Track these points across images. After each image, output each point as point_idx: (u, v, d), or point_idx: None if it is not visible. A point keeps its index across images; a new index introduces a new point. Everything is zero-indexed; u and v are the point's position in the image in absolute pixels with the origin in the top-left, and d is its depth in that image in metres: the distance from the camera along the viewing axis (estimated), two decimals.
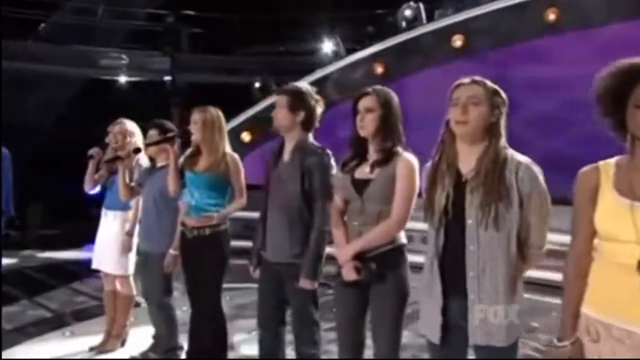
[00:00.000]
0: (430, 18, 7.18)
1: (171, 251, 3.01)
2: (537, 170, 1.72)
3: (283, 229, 2.39)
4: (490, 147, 1.72)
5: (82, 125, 10.28)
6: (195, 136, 2.86)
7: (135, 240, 3.41)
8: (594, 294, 1.46)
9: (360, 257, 2.02)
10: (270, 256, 2.46)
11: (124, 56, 9.57)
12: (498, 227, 1.65)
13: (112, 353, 3.43)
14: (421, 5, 7.15)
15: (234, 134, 6.85)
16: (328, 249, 2.36)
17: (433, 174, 1.77)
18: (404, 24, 7.20)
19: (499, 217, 1.65)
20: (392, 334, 2.01)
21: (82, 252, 7.72)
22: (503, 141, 1.75)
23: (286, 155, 2.48)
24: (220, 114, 2.95)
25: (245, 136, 7.64)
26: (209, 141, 2.85)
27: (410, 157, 2.08)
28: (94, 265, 3.54)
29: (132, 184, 3.25)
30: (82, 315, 4.43)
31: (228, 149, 2.92)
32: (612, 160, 1.51)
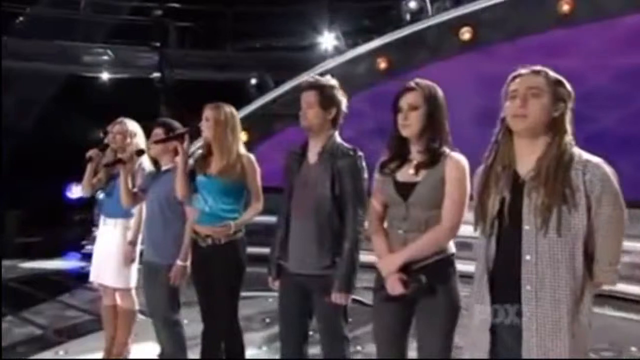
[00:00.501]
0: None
1: (179, 262, 2.86)
2: (609, 170, 1.59)
3: (310, 238, 2.26)
4: (552, 144, 1.60)
5: (63, 126, 10.08)
6: (207, 134, 2.71)
7: (138, 250, 3.26)
8: None
9: (405, 268, 1.90)
10: (294, 267, 2.32)
11: (108, 52, 9.35)
12: (560, 233, 1.52)
13: None
14: None
15: None
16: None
17: (486, 176, 1.65)
18: (408, 16, 7.11)
19: (562, 222, 1.52)
20: (444, 352, 1.89)
21: (66, 261, 7.54)
22: (569, 138, 1.63)
23: (312, 157, 2.35)
24: (234, 111, 2.81)
25: (242, 136, 7.50)
26: (221, 141, 2.70)
27: (460, 158, 1.96)
28: (92, 278, 3.36)
29: (135, 189, 3.09)
30: (76, 332, 4.24)
31: (242, 149, 2.78)
32: None
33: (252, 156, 2.76)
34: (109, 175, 3.35)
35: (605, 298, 4.09)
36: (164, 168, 3.04)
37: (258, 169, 2.77)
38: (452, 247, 1.96)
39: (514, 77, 1.65)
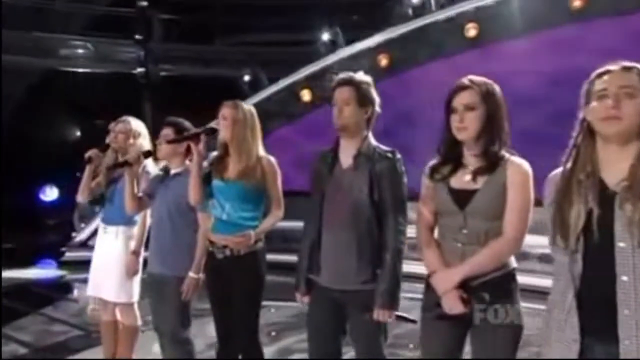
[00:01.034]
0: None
1: (192, 274, 2.70)
2: None
3: (347, 249, 2.14)
4: None
5: (38, 124, 9.76)
6: (225, 134, 2.57)
7: (141, 260, 3.10)
8: None
9: (463, 284, 1.79)
10: (328, 282, 2.19)
11: (87, 45, 9.08)
12: None
13: None
14: None
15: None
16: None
17: (566, 184, 1.54)
18: (410, 11, 7.05)
19: None
20: None
21: (42, 269, 7.26)
22: None
23: (346, 161, 2.22)
24: (253, 110, 2.67)
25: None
26: (240, 142, 2.56)
27: (522, 162, 1.85)
28: (90, 292, 3.18)
29: (140, 193, 2.92)
30: (66, 349, 4.03)
31: (262, 151, 2.65)
32: None
33: (272, 158, 2.62)
34: (110, 178, 3.17)
35: None
36: (173, 171, 2.88)
37: (279, 173, 2.64)
38: (513, 261, 1.86)
39: (601, 74, 1.53)
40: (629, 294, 1.41)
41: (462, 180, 1.87)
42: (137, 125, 3.20)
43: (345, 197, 2.16)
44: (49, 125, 9.97)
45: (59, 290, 6.24)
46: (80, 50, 9.21)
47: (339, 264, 2.15)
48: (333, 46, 7.78)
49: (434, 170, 1.94)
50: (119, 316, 3.18)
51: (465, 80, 1.88)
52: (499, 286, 1.79)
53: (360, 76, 2.24)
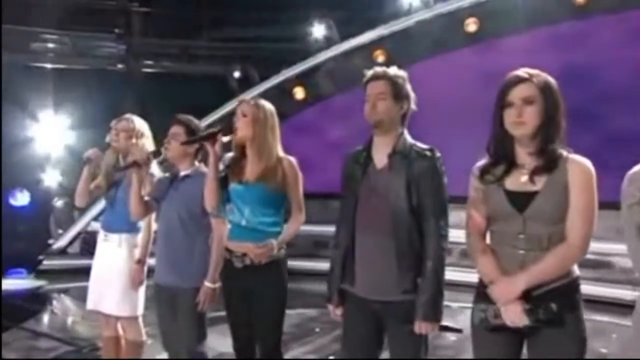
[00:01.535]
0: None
1: (208, 284, 2.59)
2: None
3: (386, 257, 2.05)
4: None
5: (7, 124, 9.42)
6: (244, 134, 2.46)
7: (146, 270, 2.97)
8: None
9: (525, 295, 1.71)
10: (364, 292, 2.11)
11: (63, 39, 8.82)
12: None
13: None
14: None
15: None
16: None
17: None
18: (408, 5, 7.02)
19: None
20: None
21: (15, 279, 6.97)
22: None
23: (380, 160, 2.14)
24: (274, 109, 2.57)
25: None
26: (261, 142, 2.47)
27: (584, 160, 1.79)
28: (90, 306, 3.03)
29: (146, 198, 2.79)
30: None
31: (281, 151, 2.55)
32: None
33: (293, 159, 2.53)
34: (110, 181, 3.03)
35: None
36: (183, 173, 2.75)
37: (300, 174, 2.54)
38: (576, 268, 1.80)
39: None
40: None
41: (519, 181, 1.80)
42: (140, 124, 3.07)
43: (381, 200, 2.08)
44: (21, 126, 9.64)
45: (38, 301, 6.00)
46: (54, 45, 8.92)
47: (376, 273, 2.07)
48: (327, 42, 7.71)
49: (484, 171, 1.87)
50: (121, 331, 3.04)
51: (522, 72, 1.82)
52: (563, 296, 1.72)
53: (395, 70, 2.17)
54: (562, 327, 1.70)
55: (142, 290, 3.00)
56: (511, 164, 1.83)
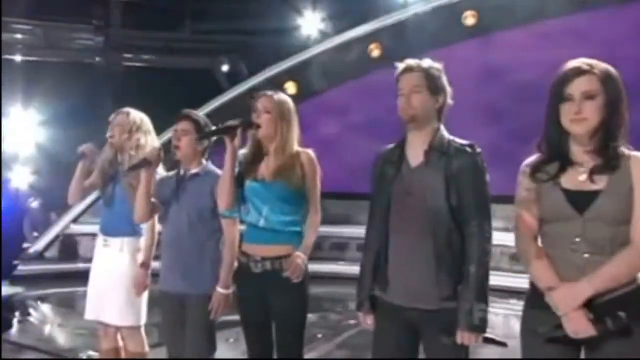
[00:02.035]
0: None
1: (221, 290, 2.49)
2: None
3: (424, 262, 1.97)
4: None
5: None
6: (267, 130, 2.38)
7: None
8: None
9: (588, 303, 1.65)
10: (399, 300, 2.02)
11: (35, 30, 8.55)
12: None
13: None
14: None
15: None
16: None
17: None
18: None
19: None
20: None
21: None
22: None
23: (415, 158, 2.06)
24: (292, 103, 2.49)
25: None
26: (284, 139, 2.39)
27: None
28: (90, 316, 2.90)
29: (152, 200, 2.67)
30: None
31: (297, 146, 2.47)
32: None
33: (312, 153, 2.44)
34: (107, 179, 2.90)
35: None
36: (192, 172, 2.64)
37: (319, 171, 2.46)
38: None
39: None
40: None
41: (577, 180, 1.73)
42: (136, 118, 2.93)
43: (418, 200, 1.99)
44: None
45: (15, 310, 5.78)
46: (23, 36, 8.64)
47: (413, 278, 1.99)
48: (320, 35, 7.63)
49: (536, 169, 1.80)
50: (121, 342, 2.92)
51: (581, 63, 1.74)
52: (630, 304, 1.65)
53: (429, 61, 2.09)
54: (629, 338, 1.64)
55: (145, 298, 2.88)
56: (565, 162, 1.77)
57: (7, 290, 6.65)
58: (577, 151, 1.76)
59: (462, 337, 1.93)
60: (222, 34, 8.21)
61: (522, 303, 1.88)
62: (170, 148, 2.65)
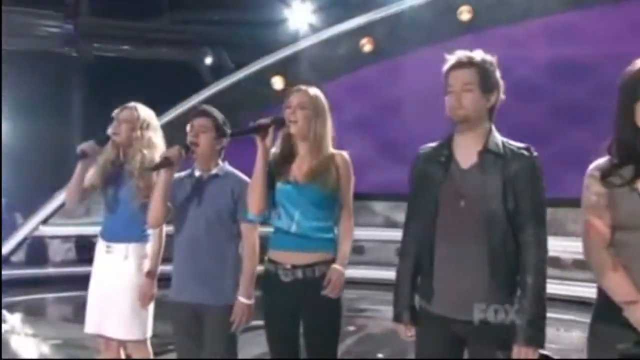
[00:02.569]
0: None
1: (243, 299, 2.40)
2: None
3: (476, 270, 1.91)
4: None
5: None
6: (303, 128, 2.29)
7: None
8: None
9: None
10: (446, 311, 1.96)
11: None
12: None
13: None
14: None
15: (174, 128, 6.12)
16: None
17: None
18: None
19: None
20: None
21: None
22: None
23: (466, 159, 1.99)
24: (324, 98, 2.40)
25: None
26: (320, 138, 2.32)
27: None
28: (90, 329, 2.75)
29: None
30: None
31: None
32: None
33: (347, 155, 2.37)
34: (109, 180, 2.75)
35: None
36: (211, 172, 2.53)
37: (352, 173, 2.39)
38: None
39: None
40: None
41: None
42: (146, 113, 2.80)
43: (471, 203, 1.93)
44: None
45: None
46: None
47: (463, 288, 1.92)
48: (309, 28, 7.54)
49: (607, 173, 1.75)
50: (123, 355, 2.78)
51: None
52: None
53: (482, 54, 2.01)
54: None
55: (151, 309, 2.75)
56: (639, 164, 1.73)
57: None
58: None
59: (519, 351, 1.87)
60: (203, 24, 8.02)
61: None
62: None
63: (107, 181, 2.77)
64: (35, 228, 6.82)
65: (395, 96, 6.79)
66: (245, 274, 2.42)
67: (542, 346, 1.90)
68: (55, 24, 8.27)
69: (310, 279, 2.26)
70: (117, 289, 2.69)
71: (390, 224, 6.38)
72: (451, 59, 2.03)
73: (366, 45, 6.96)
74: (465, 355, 2.02)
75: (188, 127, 2.54)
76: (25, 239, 6.89)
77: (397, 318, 2.06)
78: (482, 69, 1.97)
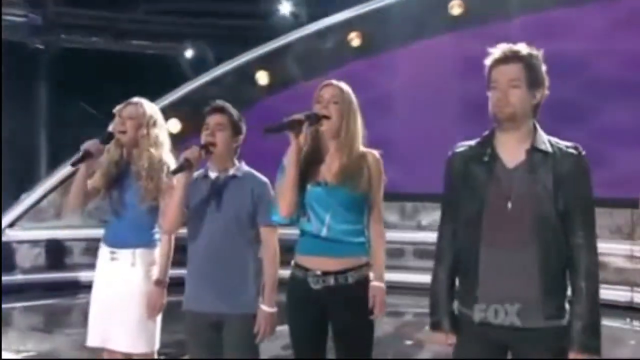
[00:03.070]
0: None
1: (266, 308, 2.34)
2: None
3: (525, 274, 1.88)
4: None
5: None
6: (331, 124, 2.24)
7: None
8: None
9: None
10: (491, 317, 1.92)
11: None
12: None
13: None
14: None
15: None
16: None
17: None
18: None
19: None
20: None
21: None
22: None
23: (511, 159, 1.96)
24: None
25: (173, 125, 6.70)
26: (352, 134, 2.28)
27: None
28: (93, 342, 2.65)
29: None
30: None
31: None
32: None
33: (378, 155, 2.34)
34: (111, 181, 2.64)
35: None
36: (229, 173, 2.44)
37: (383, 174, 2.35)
38: None
39: None
40: None
41: None
42: (151, 109, 2.70)
43: (519, 206, 1.90)
44: None
45: None
46: None
47: (511, 293, 1.89)
48: (295, 20, 7.47)
49: None
50: None
51: None
52: None
53: (527, 48, 1.98)
54: None
55: (159, 320, 2.65)
56: None
57: None
58: None
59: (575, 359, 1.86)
60: (182, 15, 7.84)
61: None
62: None
63: (111, 183, 2.66)
64: (1, 232, 6.54)
65: (385, 92, 6.78)
66: (267, 281, 2.37)
67: (598, 353, 1.89)
68: (20, 12, 7.98)
69: (343, 286, 2.22)
70: (122, 298, 2.60)
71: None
72: (494, 52, 2.00)
73: (355, 40, 6.92)
74: None
75: (204, 126, 2.46)
76: None
77: (435, 326, 2.03)
78: (528, 64, 1.95)
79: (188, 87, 6.84)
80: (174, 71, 7.04)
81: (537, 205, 1.89)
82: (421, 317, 2.09)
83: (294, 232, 2.36)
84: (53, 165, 7.69)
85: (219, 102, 2.51)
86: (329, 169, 2.27)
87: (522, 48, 1.98)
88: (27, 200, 6.61)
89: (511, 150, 1.96)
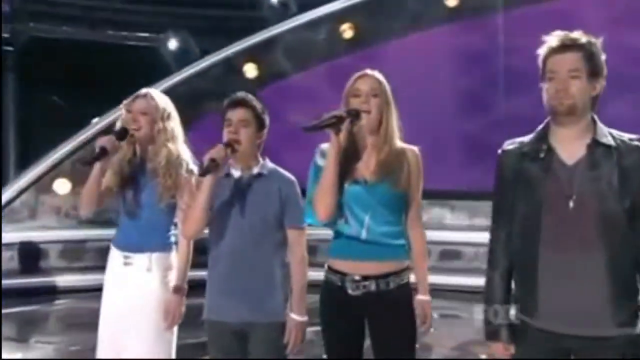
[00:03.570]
0: None
1: (296, 317, 2.27)
2: None
3: (593, 278, 1.83)
4: None
5: None
6: (371, 118, 2.17)
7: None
8: None
9: None
10: (557, 325, 1.87)
11: None
12: None
13: None
14: None
15: None
16: None
17: None
18: None
19: None
20: None
21: None
22: None
23: (570, 154, 1.89)
24: None
25: None
26: (386, 128, 2.21)
27: None
28: (104, 354, 2.52)
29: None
30: None
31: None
32: None
33: (417, 150, 2.27)
34: (125, 180, 2.53)
35: None
36: (255, 172, 2.36)
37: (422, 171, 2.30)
38: None
39: None
40: None
41: None
42: (164, 101, 2.59)
43: (582, 205, 1.85)
44: None
45: None
46: None
47: (578, 299, 1.84)
48: (284, 10, 7.40)
49: None
50: None
51: None
52: None
53: (586, 36, 1.91)
54: None
55: (176, 329, 2.55)
56: None
57: None
58: None
59: None
60: (165, 4, 7.65)
61: None
62: None
63: (124, 182, 2.53)
64: None
65: None
66: (295, 287, 2.30)
67: None
68: None
69: (384, 292, 2.16)
70: (138, 306, 2.47)
71: None
72: (550, 40, 1.94)
73: (347, 31, 6.90)
74: None
75: (226, 122, 2.35)
76: None
77: (492, 336, 1.95)
78: (588, 53, 1.89)
79: (172, 80, 6.69)
80: (156, 63, 6.88)
81: (602, 204, 1.84)
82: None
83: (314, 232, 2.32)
84: (21, 164, 7.45)
85: (241, 95, 2.40)
86: (366, 166, 2.20)
87: (581, 36, 1.93)
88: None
89: (570, 146, 1.90)
